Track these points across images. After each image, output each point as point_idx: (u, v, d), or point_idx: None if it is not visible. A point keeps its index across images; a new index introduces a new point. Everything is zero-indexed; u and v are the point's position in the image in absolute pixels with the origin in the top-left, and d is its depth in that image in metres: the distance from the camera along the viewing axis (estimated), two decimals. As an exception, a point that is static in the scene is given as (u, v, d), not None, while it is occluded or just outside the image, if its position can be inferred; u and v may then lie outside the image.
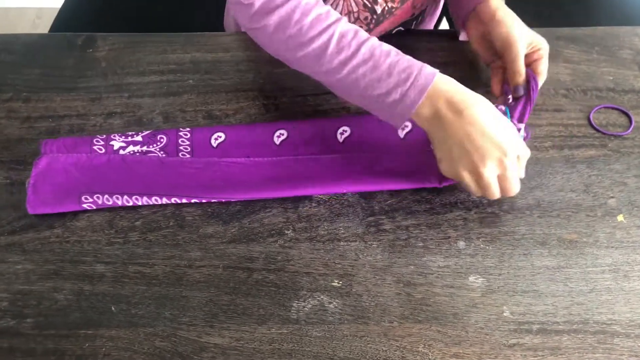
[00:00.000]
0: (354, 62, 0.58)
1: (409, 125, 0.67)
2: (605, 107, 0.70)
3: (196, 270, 0.59)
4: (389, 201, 0.63)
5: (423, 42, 0.78)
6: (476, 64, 0.75)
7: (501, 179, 0.58)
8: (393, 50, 0.59)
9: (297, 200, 0.63)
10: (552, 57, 0.75)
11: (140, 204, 0.62)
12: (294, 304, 0.56)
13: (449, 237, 0.61)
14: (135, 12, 1.01)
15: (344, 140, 0.67)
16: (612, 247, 0.60)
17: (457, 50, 0.76)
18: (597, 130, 0.68)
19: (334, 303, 0.57)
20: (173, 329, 0.55)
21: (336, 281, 0.58)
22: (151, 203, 0.62)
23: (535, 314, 0.56)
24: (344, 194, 0.64)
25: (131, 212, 0.62)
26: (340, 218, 0.62)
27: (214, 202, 0.63)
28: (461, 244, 0.60)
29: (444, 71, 0.69)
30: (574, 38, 0.78)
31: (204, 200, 0.62)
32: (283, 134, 0.67)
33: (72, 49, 0.76)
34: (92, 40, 0.77)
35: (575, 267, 0.59)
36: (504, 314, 0.56)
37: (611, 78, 0.74)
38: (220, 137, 0.67)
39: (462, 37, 0.76)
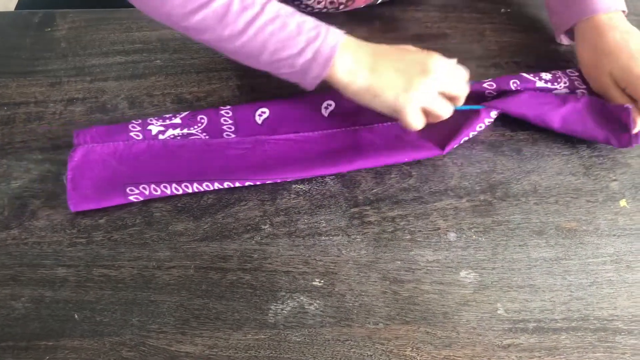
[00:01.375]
0: (261, 20, 0.52)
1: None
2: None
3: (166, 272, 0.54)
4: (374, 190, 0.59)
5: (409, 12, 0.71)
6: (468, 36, 0.69)
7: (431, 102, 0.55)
8: (296, 10, 0.55)
9: (275, 191, 0.58)
10: (550, 26, 0.70)
11: (190, 191, 0.57)
12: (272, 307, 0.52)
13: (439, 229, 0.56)
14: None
15: None
16: (614, 235, 0.56)
17: (447, 21, 0.70)
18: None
19: (315, 304, 0.52)
20: (141, 337, 0.51)
21: (317, 280, 0.54)
22: (202, 190, 0.58)
23: (531, 311, 0.52)
24: (325, 183, 0.59)
25: (94, 209, 0.57)
26: (321, 210, 0.58)
27: (184, 195, 0.58)
28: (452, 235, 0.56)
29: (434, 44, 0.63)
30: (573, 4, 0.72)
31: (257, 182, 0.58)
32: (331, 105, 0.62)
33: (28, 28, 0.70)
34: (50, 18, 0.71)
35: (574, 258, 0.55)
36: (498, 312, 0.52)
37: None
38: (265, 113, 0.62)
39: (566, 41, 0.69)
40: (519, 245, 0.55)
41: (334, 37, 0.54)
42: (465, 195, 0.58)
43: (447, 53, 0.63)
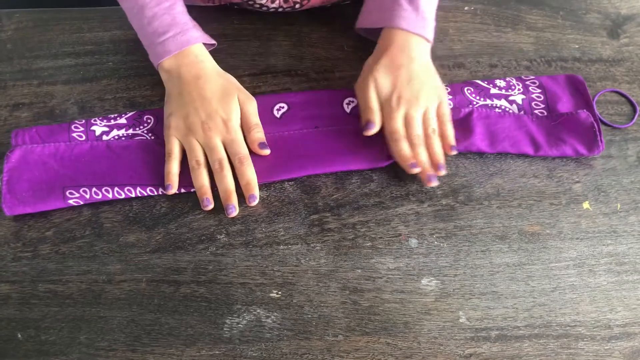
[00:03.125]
0: None
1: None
2: (610, 91, 0.64)
3: (116, 286, 0.52)
4: (334, 196, 0.57)
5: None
6: (442, 38, 0.67)
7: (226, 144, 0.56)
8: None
9: (231, 199, 0.56)
10: (514, 23, 0.69)
11: (132, 195, 0.55)
12: (227, 321, 0.50)
13: (400, 235, 0.55)
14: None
15: (350, 111, 0.61)
16: (577, 238, 0.55)
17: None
18: (605, 124, 0.61)
19: (272, 317, 0.51)
20: (90, 356, 0.49)
21: (275, 292, 0.52)
22: (146, 194, 0.55)
23: (494, 319, 0.51)
24: (283, 189, 0.57)
25: (41, 220, 0.55)
26: (279, 218, 0.56)
27: (135, 204, 0.55)
28: (413, 242, 0.55)
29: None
30: (537, 2, 0.71)
31: (192, 190, 0.56)
32: (283, 107, 0.61)
33: (-29, 29, 0.66)
34: (-5, 19, 0.67)
35: (537, 263, 0.54)
36: (460, 320, 0.51)
37: (577, 46, 0.67)
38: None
39: None
40: (482, 251, 0.54)
41: (190, 38, 0.58)
42: (427, 199, 0.57)
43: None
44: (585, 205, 0.57)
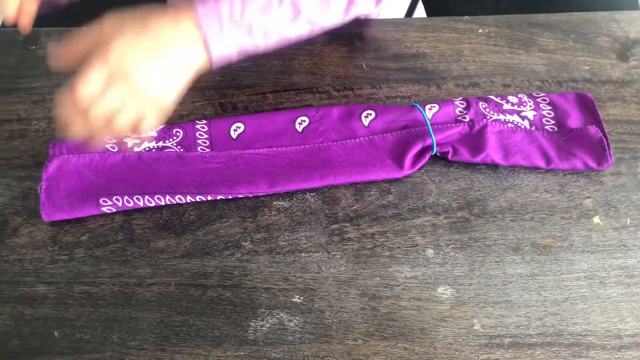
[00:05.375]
0: None
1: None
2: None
3: (146, 289, 0.54)
4: (353, 207, 0.60)
5: (389, 32, 0.73)
6: (447, 56, 0.70)
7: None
8: None
9: (256, 208, 0.59)
10: (527, 45, 0.72)
11: (162, 203, 0.58)
12: (252, 324, 0.53)
13: (417, 245, 0.57)
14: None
15: (369, 124, 0.64)
16: (588, 251, 0.57)
17: (426, 41, 0.72)
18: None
19: (295, 321, 0.53)
20: (121, 354, 0.51)
21: (297, 297, 0.54)
22: (174, 202, 0.59)
23: (507, 327, 0.53)
24: (305, 200, 0.60)
25: (76, 225, 0.58)
26: (301, 227, 0.58)
27: (165, 212, 0.58)
28: (430, 252, 0.57)
29: (413, 64, 0.65)
30: (549, 25, 0.74)
31: (230, 197, 0.59)
32: (305, 121, 0.64)
33: (12, 46, 0.70)
34: (34, 36, 0.71)
35: (549, 274, 0.56)
36: (475, 328, 0.53)
37: (587, 68, 0.70)
38: (240, 127, 0.63)
39: None
40: (495, 262, 0.56)
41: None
42: (443, 212, 0.59)
43: (427, 72, 0.65)
44: (596, 219, 0.59)
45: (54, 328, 0.52)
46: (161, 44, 0.50)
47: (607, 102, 0.67)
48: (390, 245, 0.57)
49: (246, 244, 0.57)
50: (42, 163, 0.61)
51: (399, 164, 0.60)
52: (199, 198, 0.59)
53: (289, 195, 0.60)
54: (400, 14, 1.25)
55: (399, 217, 0.59)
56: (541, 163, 0.61)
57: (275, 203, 0.60)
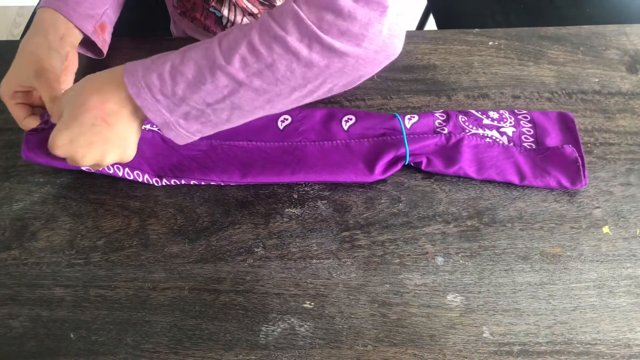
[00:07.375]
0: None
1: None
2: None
3: (160, 293, 0.56)
4: (364, 214, 0.60)
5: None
6: (457, 68, 0.71)
7: None
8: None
9: (268, 215, 0.60)
10: (536, 58, 0.73)
11: (141, 180, 0.61)
12: (263, 328, 0.54)
13: (427, 253, 0.58)
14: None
15: (348, 129, 0.65)
16: (597, 260, 0.57)
17: (436, 53, 0.73)
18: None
19: (305, 326, 0.54)
20: (135, 357, 0.52)
21: (308, 302, 0.55)
22: (143, 181, 0.61)
23: (516, 335, 0.53)
24: (317, 207, 0.61)
25: (93, 230, 0.59)
26: (313, 234, 0.59)
27: (180, 218, 0.60)
28: (439, 260, 0.58)
29: (424, 75, 0.66)
30: (558, 38, 0.75)
31: (202, 183, 0.62)
32: (287, 119, 0.65)
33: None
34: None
35: (558, 283, 0.56)
36: (484, 335, 0.53)
37: (597, 80, 0.71)
38: None
39: None
40: (505, 270, 0.57)
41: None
42: (452, 220, 0.60)
43: (437, 84, 0.66)
44: (605, 229, 0.59)
45: (70, 330, 0.53)
46: (102, 129, 0.51)
47: (616, 114, 0.67)
48: (401, 253, 0.58)
49: (258, 250, 0.58)
50: (60, 170, 0.62)
51: (370, 169, 0.61)
52: (173, 182, 0.61)
53: (300, 202, 0.61)
54: (412, 26, 1.27)
55: (409, 225, 0.60)
56: (515, 179, 0.61)
57: (287, 210, 0.61)
